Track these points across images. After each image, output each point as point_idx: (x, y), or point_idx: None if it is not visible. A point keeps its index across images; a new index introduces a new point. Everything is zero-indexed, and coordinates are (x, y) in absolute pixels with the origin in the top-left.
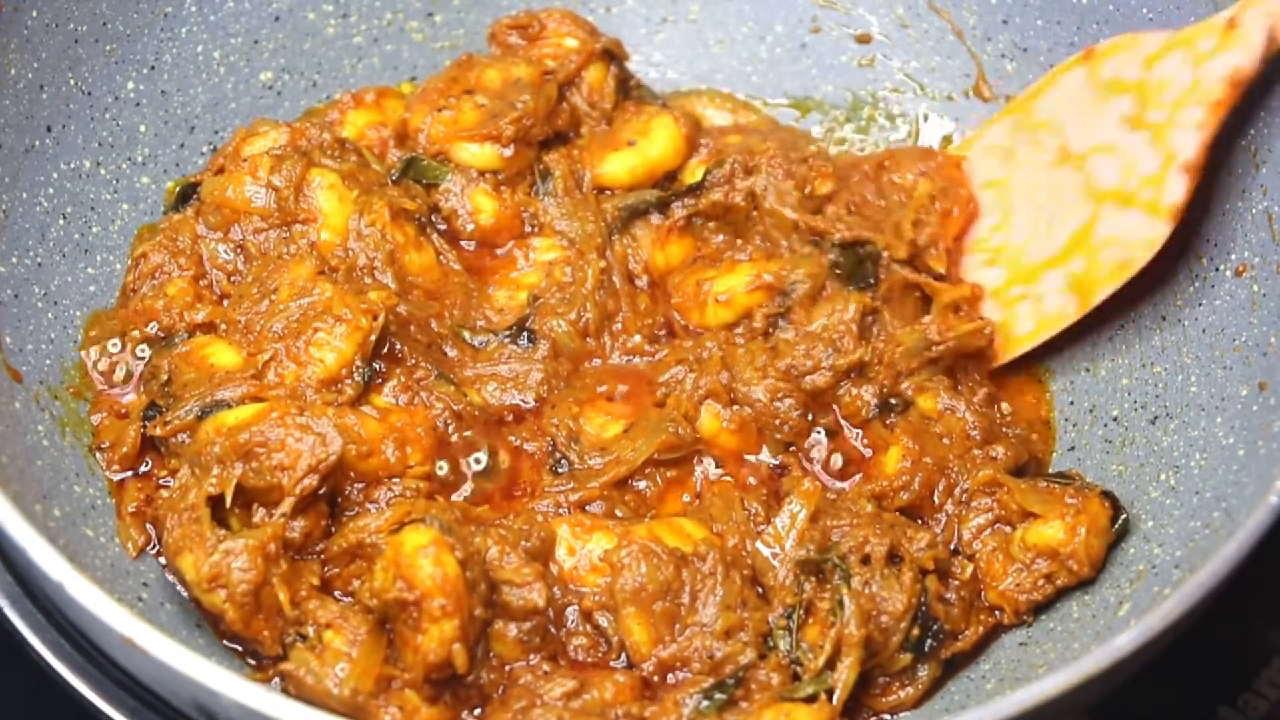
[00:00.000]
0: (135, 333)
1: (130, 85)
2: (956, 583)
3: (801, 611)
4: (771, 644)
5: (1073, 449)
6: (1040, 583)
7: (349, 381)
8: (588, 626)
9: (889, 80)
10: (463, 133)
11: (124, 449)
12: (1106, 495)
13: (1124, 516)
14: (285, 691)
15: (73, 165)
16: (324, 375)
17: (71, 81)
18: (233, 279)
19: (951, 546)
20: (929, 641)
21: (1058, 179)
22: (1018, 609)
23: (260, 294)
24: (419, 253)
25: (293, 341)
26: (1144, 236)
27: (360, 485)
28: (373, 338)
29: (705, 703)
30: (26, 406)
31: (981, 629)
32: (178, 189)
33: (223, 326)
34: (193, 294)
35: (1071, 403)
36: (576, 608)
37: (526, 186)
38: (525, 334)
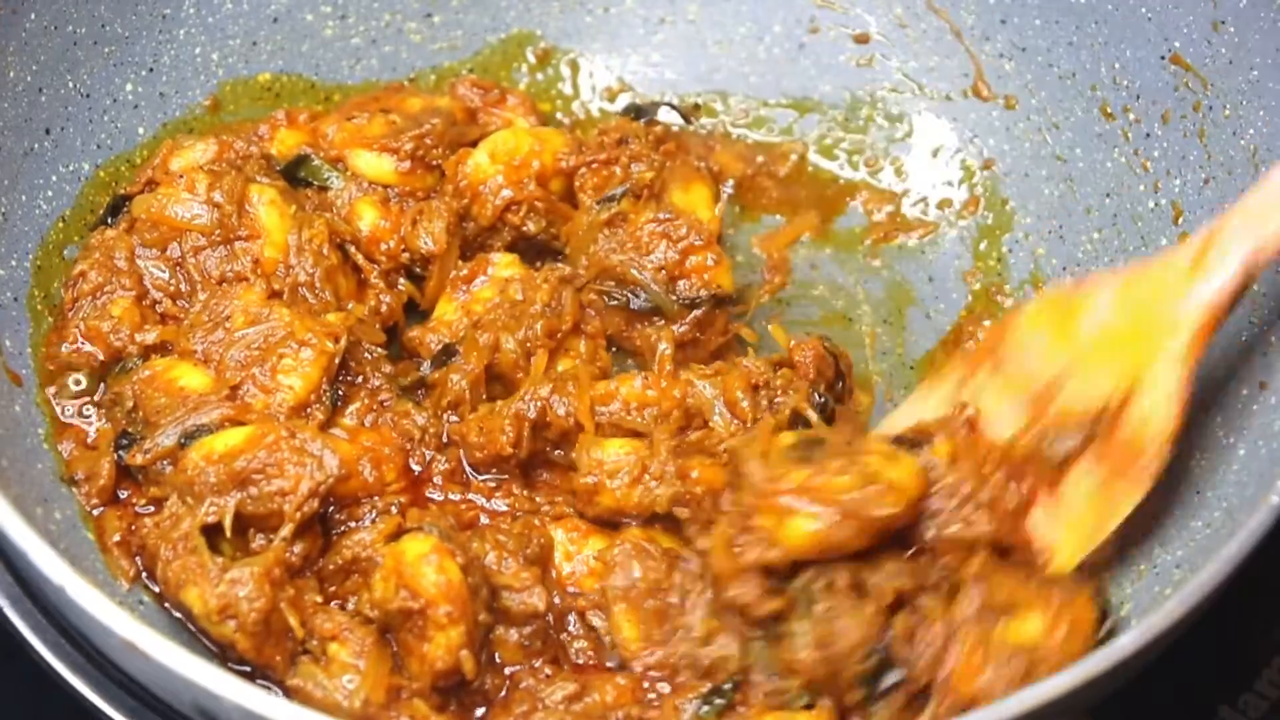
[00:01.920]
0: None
1: (129, 87)
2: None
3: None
4: (752, 655)
5: None
6: (1019, 679)
7: (317, 406)
8: (585, 629)
9: (887, 80)
10: (363, 140)
11: (100, 481)
12: (1097, 595)
13: (1110, 620)
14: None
15: (71, 168)
16: (294, 402)
17: (70, 84)
18: (177, 302)
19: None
20: (885, 681)
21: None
22: (991, 700)
23: (212, 322)
24: (346, 278)
25: (258, 369)
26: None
27: (339, 506)
28: (336, 360)
29: (705, 708)
30: (26, 410)
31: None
32: (108, 201)
33: (181, 350)
34: (139, 314)
35: None
36: (575, 612)
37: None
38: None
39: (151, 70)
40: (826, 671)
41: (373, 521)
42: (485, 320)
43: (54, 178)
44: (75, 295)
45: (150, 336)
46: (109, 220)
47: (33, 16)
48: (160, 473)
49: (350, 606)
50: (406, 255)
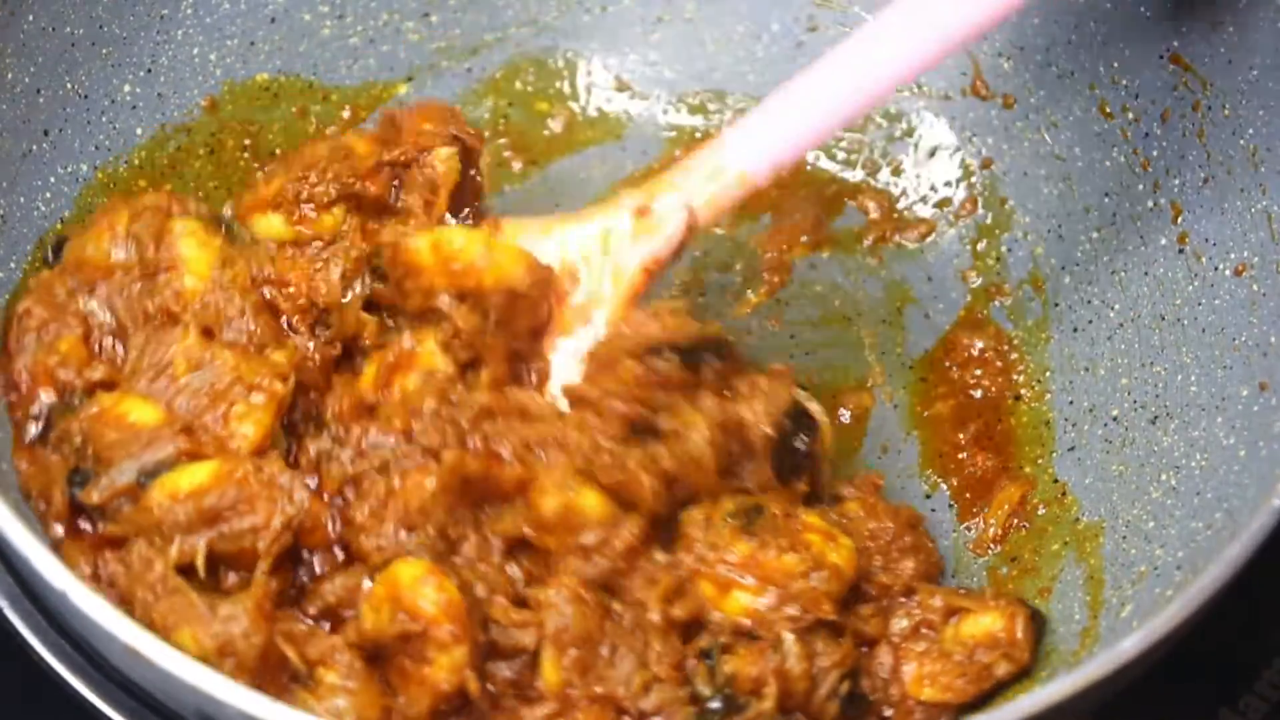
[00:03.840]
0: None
1: (127, 88)
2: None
3: (718, 649)
4: (694, 691)
5: (1072, 449)
6: (982, 674)
7: (273, 450)
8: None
9: None
10: (257, 204)
11: (56, 507)
12: (1024, 603)
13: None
14: None
15: (70, 169)
16: (250, 449)
17: (68, 85)
18: (115, 342)
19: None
20: (857, 702)
21: None
22: (962, 701)
23: (154, 369)
24: (269, 323)
25: (209, 416)
26: None
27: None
28: (285, 404)
29: None
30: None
31: None
32: (50, 241)
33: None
34: (85, 352)
35: (1071, 402)
36: None
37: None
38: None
39: (149, 71)
40: (801, 689)
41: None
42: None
43: (52, 179)
44: (20, 332)
45: (97, 373)
46: (51, 261)
47: (31, 18)
48: (118, 510)
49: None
50: (325, 315)
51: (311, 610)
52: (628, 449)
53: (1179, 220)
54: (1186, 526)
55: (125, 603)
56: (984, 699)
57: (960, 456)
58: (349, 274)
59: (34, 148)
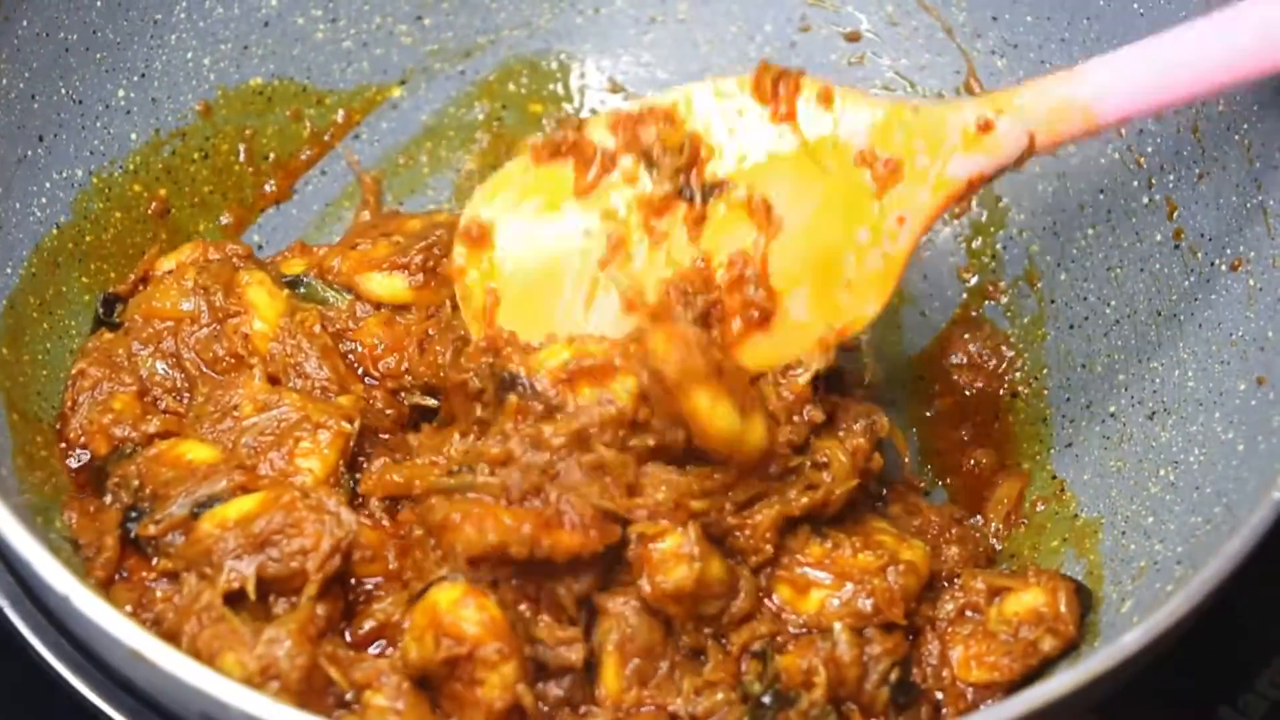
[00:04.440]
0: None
1: (121, 93)
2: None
3: (770, 648)
4: (746, 693)
5: (1070, 446)
6: (1028, 650)
7: (337, 489)
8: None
9: (879, 78)
10: (371, 263)
11: (105, 554)
12: (1067, 578)
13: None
14: None
15: (65, 174)
16: (313, 485)
17: (63, 90)
18: (178, 396)
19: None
20: (907, 690)
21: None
22: (1010, 679)
23: (220, 412)
24: (344, 370)
25: (275, 454)
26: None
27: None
28: (352, 441)
29: None
30: (24, 418)
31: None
32: (100, 299)
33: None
34: (139, 408)
35: (1068, 399)
36: None
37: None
38: None
39: (143, 76)
40: (854, 677)
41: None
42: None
43: (48, 184)
44: (75, 394)
45: (152, 426)
46: (105, 318)
47: (25, 23)
48: (171, 545)
49: (387, 654)
50: (409, 379)
51: (362, 631)
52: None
53: (1174, 216)
54: (1186, 521)
55: (171, 638)
56: (1032, 676)
57: (958, 455)
58: (458, 354)
59: (29, 153)
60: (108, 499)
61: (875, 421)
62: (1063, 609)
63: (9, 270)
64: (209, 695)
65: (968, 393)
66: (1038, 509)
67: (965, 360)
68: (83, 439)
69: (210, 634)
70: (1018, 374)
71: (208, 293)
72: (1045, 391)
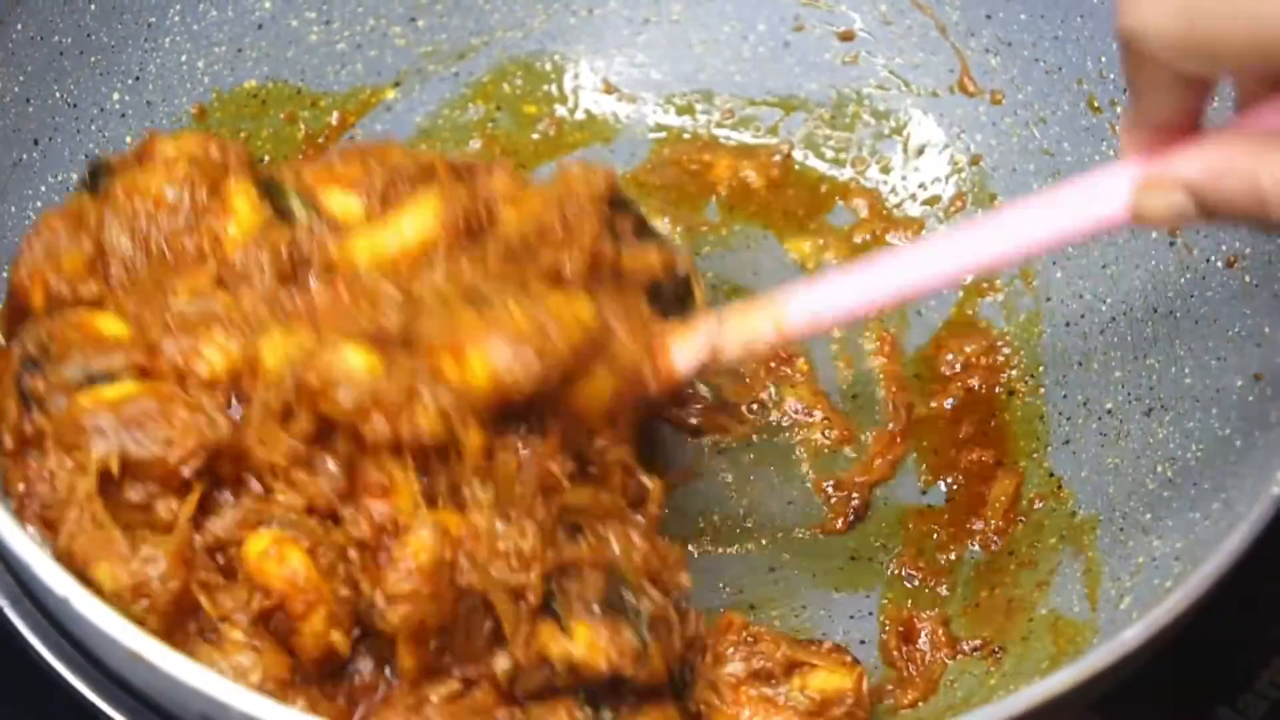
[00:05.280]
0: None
1: (115, 96)
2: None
3: None
4: None
5: (1067, 443)
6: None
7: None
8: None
9: (873, 77)
10: (337, 179)
11: (10, 418)
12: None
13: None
14: None
15: (60, 178)
16: (209, 377)
17: (57, 94)
18: (131, 275)
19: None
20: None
21: None
22: None
23: (156, 290)
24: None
25: (187, 338)
26: None
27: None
28: None
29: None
30: None
31: None
32: (88, 163)
33: (114, 307)
34: (85, 271)
35: (1064, 396)
36: None
37: None
38: None
39: (138, 79)
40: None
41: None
42: None
43: (43, 188)
44: (33, 240)
45: (89, 289)
46: (90, 184)
47: (19, 27)
48: (51, 407)
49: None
50: None
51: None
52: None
53: None
54: (1184, 518)
55: (51, 529)
56: None
57: (954, 453)
58: None
59: (24, 156)
60: (14, 346)
61: None
62: (864, 692)
63: (5, 274)
64: (209, 696)
65: (964, 391)
66: (1035, 506)
67: (961, 359)
68: (26, 283)
69: (87, 540)
70: (1014, 372)
71: (194, 187)
72: (1042, 389)
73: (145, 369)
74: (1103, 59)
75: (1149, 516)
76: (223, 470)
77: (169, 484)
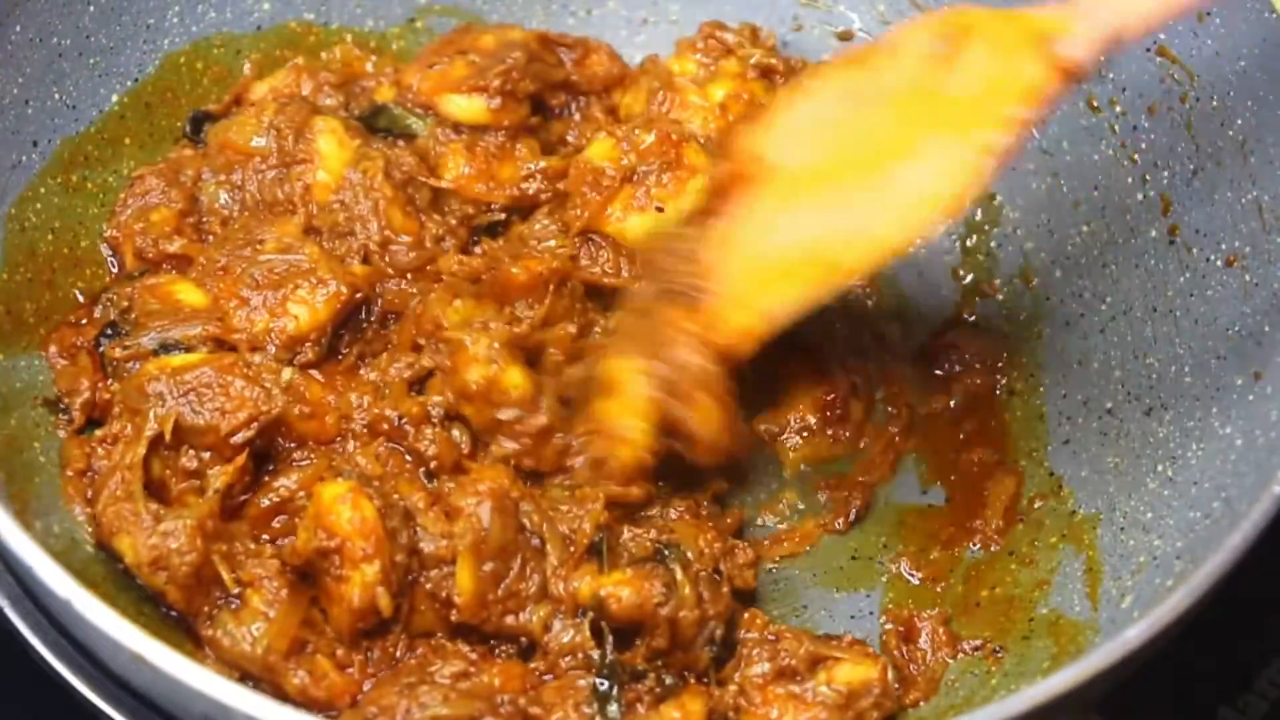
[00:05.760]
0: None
1: (114, 98)
2: None
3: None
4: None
5: (1067, 442)
6: (860, 717)
7: (312, 344)
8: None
9: None
10: (449, 85)
11: (83, 395)
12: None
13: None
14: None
15: (59, 180)
16: (294, 332)
17: (56, 96)
18: (226, 226)
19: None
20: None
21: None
22: None
23: (245, 242)
24: (404, 215)
25: (271, 292)
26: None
27: (292, 446)
28: (347, 308)
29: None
30: (22, 423)
31: None
32: (190, 115)
33: (201, 262)
34: (173, 225)
35: (1064, 395)
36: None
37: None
38: None
39: (136, 80)
40: (689, 633)
41: (307, 465)
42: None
43: (42, 189)
44: (128, 195)
45: (174, 245)
46: (189, 134)
47: (18, 29)
48: (129, 371)
49: (281, 550)
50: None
51: (263, 504)
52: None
53: (1169, 212)
54: (1185, 516)
55: (92, 501)
56: None
57: (955, 453)
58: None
59: (23, 159)
60: (96, 311)
61: None
62: (890, 681)
63: (4, 277)
64: (211, 698)
65: (964, 391)
66: (1035, 506)
67: (961, 359)
68: (117, 239)
69: (115, 512)
70: (1014, 371)
71: (279, 134)
72: (1041, 389)
73: (219, 338)
74: (1100, 58)
75: (1150, 515)
76: (286, 437)
77: (221, 452)
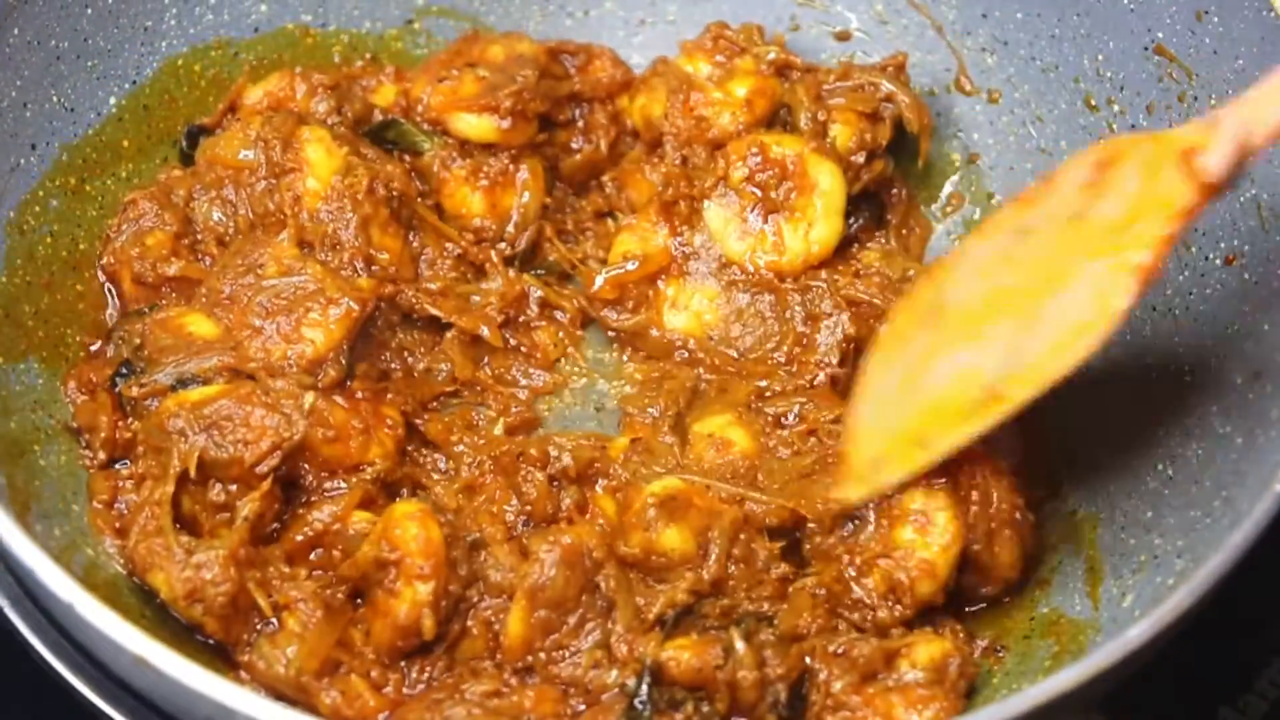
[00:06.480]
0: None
1: (113, 100)
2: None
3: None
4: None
5: (1067, 441)
6: (955, 687)
7: (332, 364)
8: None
9: None
10: (461, 103)
11: (102, 433)
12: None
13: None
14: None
15: (58, 182)
16: (312, 355)
17: (54, 98)
18: (222, 245)
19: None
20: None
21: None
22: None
23: (245, 267)
24: (385, 233)
25: (283, 318)
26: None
27: (315, 474)
28: (360, 324)
29: None
30: (22, 426)
31: None
32: (185, 131)
33: (203, 294)
34: (170, 248)
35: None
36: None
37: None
38: None
39: (134, 83)
40: (749, 697)
41: (340, 494)
42: None
43: (40, 193)
44: (120, 221)
45: (172, 269)
46: (185, 151)
47: (16, 32)
48: (146, 410)
49: (334, 566)
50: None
51: (298, 539)
52: None
53: None
54: (1185, 515)
55: (123, 535)
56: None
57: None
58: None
59: (22, 161)
60: (109, 349)
61: None
62: (967, 647)
63: (3, 279)
64: (214, 701)
65: None
66: (1035, 505)
67: None
68: (114, 267)
69: (146, 548)
70: None
71: (267, 145)
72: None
73: (234, 368)
74: (1099, 57)
75: (1150, 514)
76: (312, 463)
77: (248, 483)
